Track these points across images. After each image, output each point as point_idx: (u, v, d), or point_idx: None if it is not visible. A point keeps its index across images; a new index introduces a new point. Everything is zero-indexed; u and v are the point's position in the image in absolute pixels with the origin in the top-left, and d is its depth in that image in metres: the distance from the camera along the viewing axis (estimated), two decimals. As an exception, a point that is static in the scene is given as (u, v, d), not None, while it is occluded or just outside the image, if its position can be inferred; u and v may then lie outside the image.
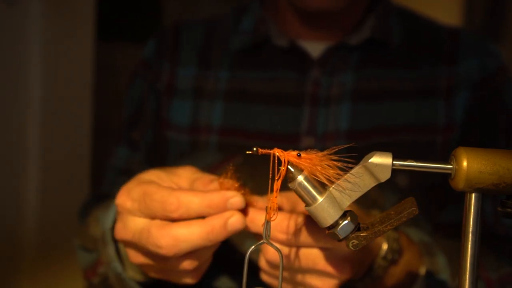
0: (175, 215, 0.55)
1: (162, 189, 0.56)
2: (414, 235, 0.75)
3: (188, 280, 0.61)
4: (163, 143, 0.94)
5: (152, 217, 0.57)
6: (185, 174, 0.61)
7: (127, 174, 0.94)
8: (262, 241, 0.50)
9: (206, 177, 0.59)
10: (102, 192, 0.95)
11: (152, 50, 0.98)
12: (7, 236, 1.64)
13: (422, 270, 0.72)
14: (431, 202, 0.88)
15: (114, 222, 0.66)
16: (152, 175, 0.61)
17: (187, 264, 0.58)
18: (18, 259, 1.68)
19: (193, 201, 0.55)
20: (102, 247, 0.71)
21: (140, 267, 0.63)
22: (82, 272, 0.80)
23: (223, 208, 0.56)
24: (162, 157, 0.93)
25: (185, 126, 0.92)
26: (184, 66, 0.95)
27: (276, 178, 0.48)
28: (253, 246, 0.49)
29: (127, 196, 0.58)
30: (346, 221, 0.48)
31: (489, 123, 0.92)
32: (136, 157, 0.95)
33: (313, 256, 0.58)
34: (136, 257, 0.60)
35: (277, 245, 0.55)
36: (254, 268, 0.64)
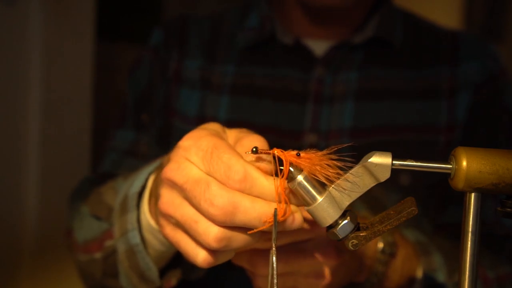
0: (236, 185, 0.48)
1: (233, 152, 0.49)
2: (409, 235, 0.76)
3: (202, 259, 0.51)
4: (170, 130, 0.94)
5: (210, 174, 0.49)
6: (233, 133, 0.55)
7: (132, 155, 0.94)
8: (273, 248, 0.48)
9: (246, 143, 0.52)
10: (105, 172, 0.92)
11: (160, 38, 0.99)
12: (7, 236, 1.63)
13: (420, 270, 0.72)
14: (434, 201, 0.89)
15: (143, 188, 0.63)
16: (218, 127, 0.55)
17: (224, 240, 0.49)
18: (18, 259, 1.68)
19: (262, 182, 0.48)
20: (119, 215, 0.66)
21: (162, 219, 0.53)
22: (81, 246, 0.75)
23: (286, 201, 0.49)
24: (169, 144, 0.93)
25: (192, 116, 0.93)
26: (191, 59, 0.96)
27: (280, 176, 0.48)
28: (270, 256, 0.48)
29: (195, 142, 0.51)
30: (345, 221, 0.48)
31: (489, 124, 0.92)
32: (142, 139, 0.94)
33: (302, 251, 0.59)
34: (171, 206, 0.51)
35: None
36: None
